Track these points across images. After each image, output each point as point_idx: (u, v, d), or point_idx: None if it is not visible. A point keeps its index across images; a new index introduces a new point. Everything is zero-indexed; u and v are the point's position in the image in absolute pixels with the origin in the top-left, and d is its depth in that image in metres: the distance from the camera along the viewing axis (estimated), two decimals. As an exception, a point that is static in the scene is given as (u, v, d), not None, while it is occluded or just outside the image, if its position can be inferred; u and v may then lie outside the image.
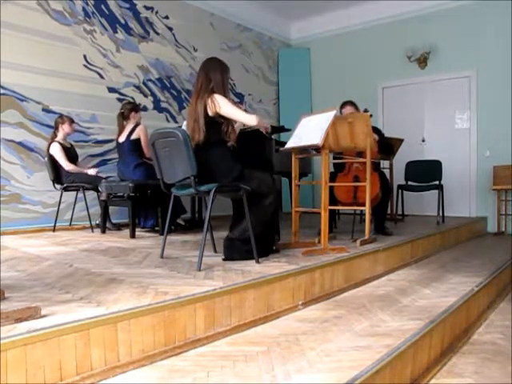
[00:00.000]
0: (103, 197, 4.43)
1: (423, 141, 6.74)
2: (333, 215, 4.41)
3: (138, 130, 4.42)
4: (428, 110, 6.72)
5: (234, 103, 3.02)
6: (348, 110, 4.28)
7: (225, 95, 2.89)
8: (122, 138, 4.47)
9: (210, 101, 2.83)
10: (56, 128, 4.61)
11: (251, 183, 2.83)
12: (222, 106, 2.82)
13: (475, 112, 6.31)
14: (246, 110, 3.13)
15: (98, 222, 4.73)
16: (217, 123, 2.88)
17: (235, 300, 2.15)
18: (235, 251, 2.86)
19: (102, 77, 5.33)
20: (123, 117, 4.51)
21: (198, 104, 2.86)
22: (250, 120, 2.89)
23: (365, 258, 3.23)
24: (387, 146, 4.48)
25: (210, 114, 2.84)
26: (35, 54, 4.73)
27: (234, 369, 1.66)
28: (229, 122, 2.90)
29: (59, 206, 4.60)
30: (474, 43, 6.23)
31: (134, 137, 4.40)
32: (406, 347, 1.87)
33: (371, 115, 3.92)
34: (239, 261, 2.79)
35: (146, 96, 5.81)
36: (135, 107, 4.61)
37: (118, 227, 4.73)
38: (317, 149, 3.32)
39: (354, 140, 3.71)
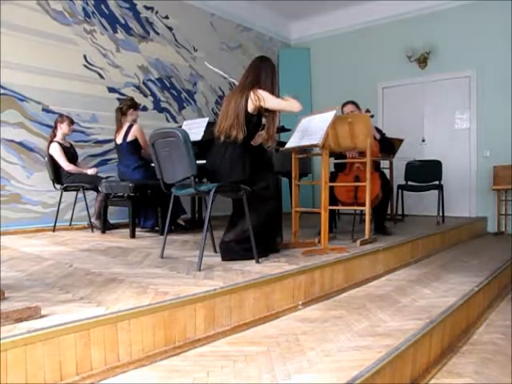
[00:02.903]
0: (101, 197, 4.44)
1: (423, 141, 6.74)
2: (333, 215, 4.41)
3: (132, 130, 4.38)
4: (428, 110, 6.72)
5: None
6: (349, 108, 4.29)
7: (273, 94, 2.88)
8: (119, 139, 4.45)
9: (252, 95, 2.81)
10: (55, 127, 4.61)
11: (255, 184, 2.84)
12: (266, 98, 2.81)
13: (475, 112, 6.31)
14: None
15: (92, 221, 4.69)
16: (252, 123, 2.86)
17: (235, 300, 2.15)
18: (233, 253, 2.86)
19: (102, 77, 5.33)
20: (121, 112, 4.49)
21: (241, 99, 2.83)
22: (295, 107, 2.87)
23: (365, 258, 3.23)
24: (389, 145, 4.48)
25: (250, 110, 2.82)
26: (35, 54, 4.73)
27: (234, 369, 1.66)
28: (271, 124, 2.89)
29: (59, 206, 4.60)
30: (474, 43, 6.23)
31: (130, 138, 4.38)
32: (406, 347, 1.87)
33: (372, 115, 3.93)
34: (239, 261, 2.79)
35: (146, 96, 5.81)
36: (134, 105, 4.59)
37: (108, 226, 4.70)
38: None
39: (354, 140, 3.71)
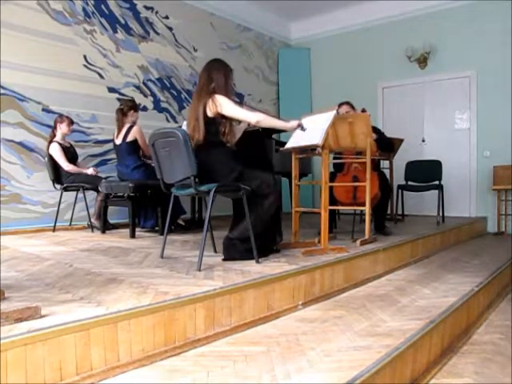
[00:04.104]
0: (101, 197, 4.44)
1: (423, 141, 6.74)
2: (333, 215, 4.41)
3: (133, 131, 4.39)
4: (428, 110, 6.72)
5: (236, 103, 3.00)
6: (344, 109, 4.29)
7: (227, 96, 2.88)
8: (118, 140, 4.46)
9: (210, 101, 2.82)
10: (54, 127, 4.61)
11: (252, 183, 2.83)
12: (224, 105, 2.82)
13: (475, 112, 6.31)
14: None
15: (92, 221, 4.68)
16: (216, 124, 2.87)
17: (235, 300, 2.15)
18: (235, 251, 2.86)
19: (102, 77, 5.33)
20: (122, 113, 4.50)
21: (199, 104, 2.86)
22: (252, 118, 2.87)
23: (365, 258, 3.23)
24: (387, 144, 4.47)
25: (210, 114, 2.84)
26: (35, 54, 4.73)
27: (234, 369, 1.66)
28: (227, 123, 2.88)
29: (59, 206, 4.60)
30: (474, 43, 6.23)
31: (129, 139, 4.39)
32: (406, 347, 1.87)
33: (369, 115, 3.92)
34: (239, 261, 2.79)
35: (146, 96, 5.81)
36: (135, 106, 4.61)
37: (108, 226, 4.69)
38: (315, 149, 3.32)
39: (354, 140, 3.71)
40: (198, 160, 2.76)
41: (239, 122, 3.15)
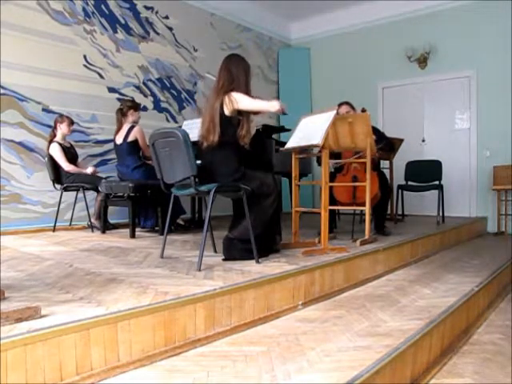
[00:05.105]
0: (101, 197, 4.44)
1: (423, 141, 6.74)
2: (333, 215, 4.41)
3: (134, 131, 4.39)
4: (428, 110, 6.72)
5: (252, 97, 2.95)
6: (344, 109, 4.29)
7: (247, 93, 2.86)
8: (118, 140, 4.46)
9: (227, 99, 2.79)
10: (54, 127, 4.61)
11: (252, 184, 2.83)
12: (240, 100, 2.79)
13: (475, 112, 6.31)
14: None
15: (92, 221, 4.68)
16: (233, 124, 2.84)
17: (235, 300, 2.15)
18: (235, 251, 2.86)
19: (102, 77, 5.33)
20: (122, 113, 4.50)
21: (216, 102, 2.82)
22: (271, 106, 2.89)
23: (365, 258, 3.23)
24: (387, 143, 4.46)
25: (228, 113, 2.81)
26: (35, 54, 4.73)
27: (234, 369, 1.66)
28: (245, 122, 2.86)
29: (59, 206, 4.60)
30: (474, 43, 6.23)
31: (130, 139, 4.39)
32: (406, 347, 1.87)
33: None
34: (239, 261, 2.79)
35: (146, 96, 5.81)
36: (135, 106, 4.60)
37: (108, 226, 4.69)
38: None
39: (354, 140, 3.71)
40: (205, 160, 2.75)
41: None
